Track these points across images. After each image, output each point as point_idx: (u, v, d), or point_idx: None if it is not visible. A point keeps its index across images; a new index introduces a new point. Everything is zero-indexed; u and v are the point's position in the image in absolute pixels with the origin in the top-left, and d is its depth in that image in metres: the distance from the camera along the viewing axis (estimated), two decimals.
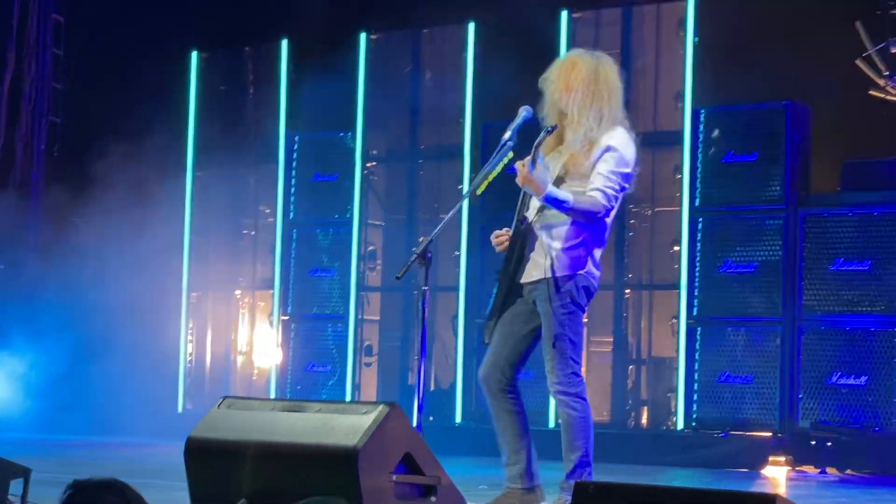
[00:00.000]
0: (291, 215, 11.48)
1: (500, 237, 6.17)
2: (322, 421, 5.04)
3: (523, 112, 6.14)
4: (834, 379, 9.31)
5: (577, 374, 6.07)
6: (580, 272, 6.06)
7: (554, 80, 6.12)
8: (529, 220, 6.11)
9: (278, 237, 11.50)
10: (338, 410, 5.09)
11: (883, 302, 9.22)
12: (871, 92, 10.67)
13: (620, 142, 6.09)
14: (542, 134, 6.05)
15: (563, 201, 5.94)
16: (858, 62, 10.61)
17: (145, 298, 11.85)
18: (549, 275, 6.05)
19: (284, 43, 11.60)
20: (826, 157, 10.01)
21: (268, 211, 11.69)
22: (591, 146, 6.04)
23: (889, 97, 10.53)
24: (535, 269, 6.10)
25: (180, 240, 11.92)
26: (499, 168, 6.17)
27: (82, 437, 11.37)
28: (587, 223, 6.01)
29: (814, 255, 9.48)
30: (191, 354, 11.98)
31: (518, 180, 5.94)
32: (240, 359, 11.87)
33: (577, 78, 6.10)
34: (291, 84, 11.57)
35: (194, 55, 12.02)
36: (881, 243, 9.26)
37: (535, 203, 6.11)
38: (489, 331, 6.20)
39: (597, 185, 5.99)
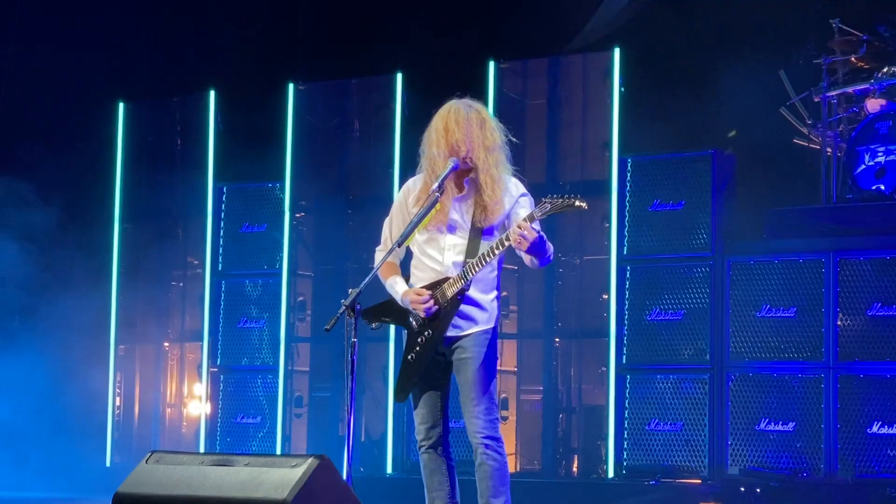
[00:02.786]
0: (220, 266, 11.43)
1: (424, 294, 6.22)
2: (251, 475, 5.01)
3: (450, 163, 6.21)
4: (762, 425, 9.37)
5: (499, 421, 6.19)
6: (498, 321, 6.24)
7: (451, 130, 6.21)
8: (447, 274, 6.20)
9: (207, 288, 11.44)
10: (266, 464, 5.07)
11: (808, 348, 9.30)
12: (795, 140, 10.81)
13: (524, 188, 6.33)
14: (447, 171, 6.13)
15: (546, 242, 6.05)
16: (783, 110, 10.75)
17: (72, 351, 11.74)
18: (483, 326, 6.18)
19: (212, 93, 11.57)
20: (751, 204, 10.10)
21: (196, 262, 11.63)
22: (497, 195, 6.16)
23: (812, 145, 10.66)
24: (465, 322, 6.20)
25: (108, 292, 11.82)
26: (427, 218, 6.23)
27: (9, 492, 11.21)
28: (543, 264, 6.14)
29: (740, 303, 9.55)
30: (119, 407, 11.86)
31: (523, 244, 6.00)
32: (169, 411, 11.78)
33: (478, 129, 6.21)
34: (219, 135, 11.54)
35: (121, 105, 11.96)
36: (806, 290, 9.35)
37: (451, 258, 6.19)
38: (407, 389, 6.27)
39: (536, 229, 6.08)
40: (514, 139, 6.39)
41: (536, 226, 6.05)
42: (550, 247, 6.13)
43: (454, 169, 6.21)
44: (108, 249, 11.86)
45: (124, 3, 12.56)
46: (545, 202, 6.02)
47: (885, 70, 10.15)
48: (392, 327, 10.27)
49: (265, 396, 11.14)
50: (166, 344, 11.77)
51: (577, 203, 6.00)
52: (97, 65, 12.29)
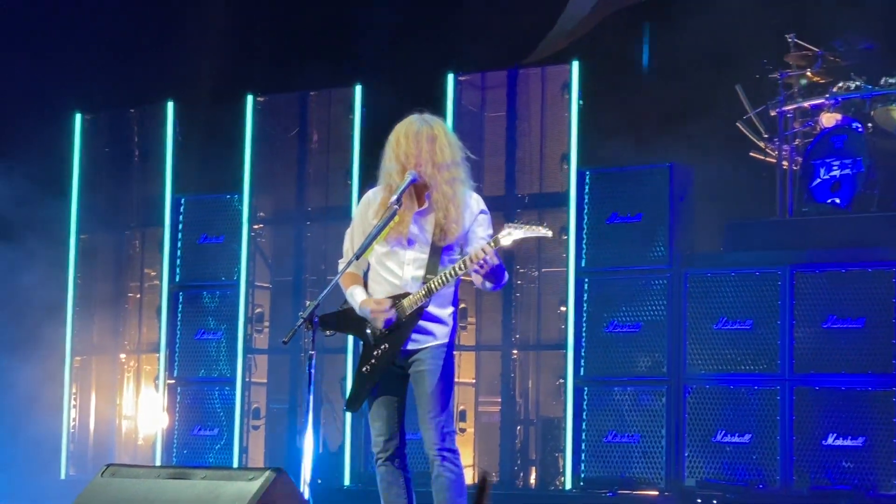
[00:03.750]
0: (178, 278, 11.39)
1: (384, 304, 6.23)
2: (207, 488, 5.01)
3: (409, 176, 6.21)
4: (719, 437, 9.41)
5: (455, 433, 6.23)
6: (455, 335, 6.29)
7: (401, 143, 6.23)
8: (406, 289, 6.21)
9: (164, 300, 11.39)
10: (223, 477, 5.07)
11: (765, 360, 9.34)
12: (752, 153, 10.88)
13: (483, 205, 6.33)
14: (406, 184, 6.15)
15: (504, 269, 6.08)
16: (739, 124, 10.82)
17: (28, 363, 11.67)
18: (441, 340, 6.20)
19: (170, 105, 11.53)
20: (709, 217, 10.15)
21: (154, 274, 11.58)
22: (452, 213, 6.17)
23: (769, 159, 10.73)
24: (423, 336, 6.22)
25: (63, 304, 11.75)
26: (386, 231, 6.24)
27: None
28: (495, 289, 6.14)
29: (697, 315, 9.58)
30: (74, 419, 11.79)
31: (485, 269, 6.00)
32: (125, 423, 11.71)
33: (427, 144, 6.23)
34: (177, 146, 11.51)
35: (78, 116, 11.90)
36: (762, 302, 9.39)
37: (410, 272, 6.20)
38: (360, 400, 6.28)
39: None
40: (471, 155, 6.40)
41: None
42: (506, 274, 6.16)
43: (413, 181, 6.22)
44: (65, 260, 11.80)
45: (83, 14, 12.50)
46: (509, 227, 6.03)
47: (840, 85, 10.23)
48: (350, 339, 10.26)
49: (223, 408, 11.10)
50: (123, 356, 11.72)
51: (543, 231, 6.03)
52: (55, 76, 12.23)
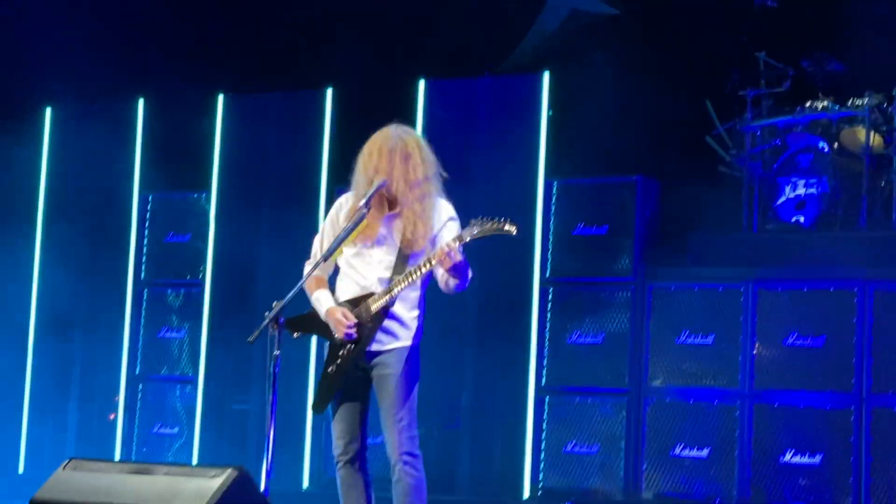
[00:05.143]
0: (143, 275, 11.37)
1: (349, 320, 6.25)
2: (168, 484, 5.02)
3: (377, 181, 6.25)
4: (677, 451, 9.46)
5: (418, 438, 6.23)
6: (419, 339, 6.30)
7: (373, 157, 6.26)
8: (372, 290, 6.23)
9: (129, 296, 11.36)
10: (185, 473, 5.08)
11: (725, 376, 9.40)
12: (720, 168, 10.94)
13: (453, 212, 6.35)
14: (374, 189, 6.18)
15: (468, 267, 6.09)
16: (708, 139, 10.88)
17: None
18: (404, 343, 6.22)
19: (140, 101, 11.52)
20: (674, 231, 10.20)
21: (119, 270, 11.51)
22: (420, 230, 6.20)
23: (735, 174, 10.79)
24: (387, 337, 6.24)
25: (28, 298, 11.71)
26: (354, 234, 6.27)
27: None
28: (459, 288, 6.15)
29: (660, 328, 9.64)
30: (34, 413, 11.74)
31: (447, 263, 6.02)
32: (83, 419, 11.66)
33: (401, 161, 6.25)
34: (146, 143, 11.49)
35: (48, 110, 11.87)
36: (725, 318, 9.45)
37: (376, 274, 6.23)
38: (326, 402, 6.30)
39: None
40: (443, 173, 6.42)
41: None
42: (470, 272, 6.18)
43: (381, 186, 6.25)
44: (30, 256, 11.75)
45: (54, 7, 12.47)
46: (474, 225, 6.07)
47: (808, 104, 10.30)
48: (314, 339, 10.26)
49: (183, 407, 11.08)
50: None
51: (507, 227, 6.05)
52: (25, 69, 12.19)
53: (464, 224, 6.33)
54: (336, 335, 6.24)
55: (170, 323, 11.24)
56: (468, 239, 6.05)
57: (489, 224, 6.05)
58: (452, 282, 6.19)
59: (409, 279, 6.17)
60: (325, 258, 6.29)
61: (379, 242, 6.30)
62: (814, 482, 9.04)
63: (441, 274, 6.19)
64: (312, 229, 10.69)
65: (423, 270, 6.15)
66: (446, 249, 6.02)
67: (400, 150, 6.27)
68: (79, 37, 12.29)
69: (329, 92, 10.87)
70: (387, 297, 6.20)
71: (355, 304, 6.27)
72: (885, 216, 9.80)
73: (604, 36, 11.71)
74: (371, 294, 6.26)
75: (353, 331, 6.20)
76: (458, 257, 6.04)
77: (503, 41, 12.28)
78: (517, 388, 10.04)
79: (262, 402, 10.66)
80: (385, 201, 6.31)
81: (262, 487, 5.74)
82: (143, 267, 11.38)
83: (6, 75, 12.13)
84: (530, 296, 10.00)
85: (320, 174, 10.79)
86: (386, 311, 6.23)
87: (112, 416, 11.35)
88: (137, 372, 11.28)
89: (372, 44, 11.79)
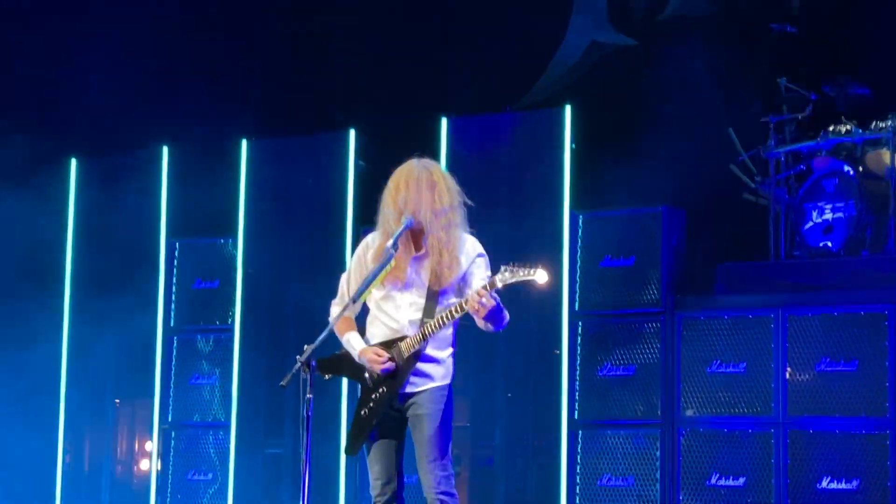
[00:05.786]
0: (172, 322, 11.40)
1: (383, 355, 6.26)
2: None
3: (405, 221, 6.26)
4: (713, 480, 9.41)
5: (454, 476, 6.25)
6: (453, 378, 6.33)
7: (400, 189, 6.28)
8: (403, 332, 6.25)
9: (158, 344, 11.39)
10: None
11: (759, 403, 9.36)
12: (745, 196, 10.93)
13: (481, 248, 6.36)
14: (402, 229, 6.20)
15: (503, 310, 6.10)
16: (732, 167, 10.88)
17: (22, 406, 11.65)
18: (438, 383, 6.23)
19: (165, 149, 11.57)
20: (701, 260, 10.19)
21: (148, 318, 11.55)
22: (446, 259, 6.21)
23: (761, 202, 10.78)
24: (421, 379, 6.25)
25: (59, 348, 11.74)
26: (382, 275, 6.28)
27: None
28: (497, 329, 6.17)
29: (691, 358, 9.61)
30: (68, 464, 11.75)
31: (482, 312, 6.04)
32: (119, 468, 11.69)
33: (427, 190, 6.27)
34: (171, 190, 11.53)
35: (73, 161, 11.92)
36: (756, 345, 9.41)
37: (407, 316, 6.23)
38: (358, 444, 6.31)
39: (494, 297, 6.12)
40: (468, 201, 6.44)
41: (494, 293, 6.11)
42: (506, 314, 6.19)
43: (408, 226, 6.26)
44: (60, 306, 11.79)
45: (76, 61, 12.55)
46: (505, 270, 6.07)
47: (831, 129, 10.28)
48: (345, 382, 10.26)
49: (216, 453, 11.09)
50: (117, 400, 11.70)
51: (538, 276, 6.06)
52: (46, 122, 12.27)
53: (493, 263, 6.34)
54: (374, 371, 6.24)
55: (200, 369, 11.26)
56: (500, 286, 6.06)
57: (521, 272, 6.06)
58: (489, 326, 6.21)
59: (442, 323, 6.18)
60: (354, 300, 6.30)
61: (408, 286, 6.30)
62: None
63: (476, 318, 6.20)
64: (339, 270, 10.73)
65: (455, 315, 6.16)
66: (478, 298, 6.02)
67: (426, 179, 6.30)
68: (102, 85, 12.38)
69: (352, 133, 10.89)
70: (419, 340, 6.21)
71: (388, 346, 6.28)
72: None
73: (624, 67, 11.73)
74: (403, 337, 6.26)
75: (390, 364, 6.20)
76: (491, 302, 6.05)
77: (523, 76, 12.31)
78: (550, 423, 10.02)
79: (296, 446, 10.66)
80: (411, 241, 6.32)
81: None
82: (173, 314, 11.41)
83: (31, 130, 12.21)
84: (560, 330, 9.99)
85: (345, 215, 10.81)
86: (418, 354, 6.23)
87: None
88: (170, 419, 11.30)
89: (392, 84, 11.84)
